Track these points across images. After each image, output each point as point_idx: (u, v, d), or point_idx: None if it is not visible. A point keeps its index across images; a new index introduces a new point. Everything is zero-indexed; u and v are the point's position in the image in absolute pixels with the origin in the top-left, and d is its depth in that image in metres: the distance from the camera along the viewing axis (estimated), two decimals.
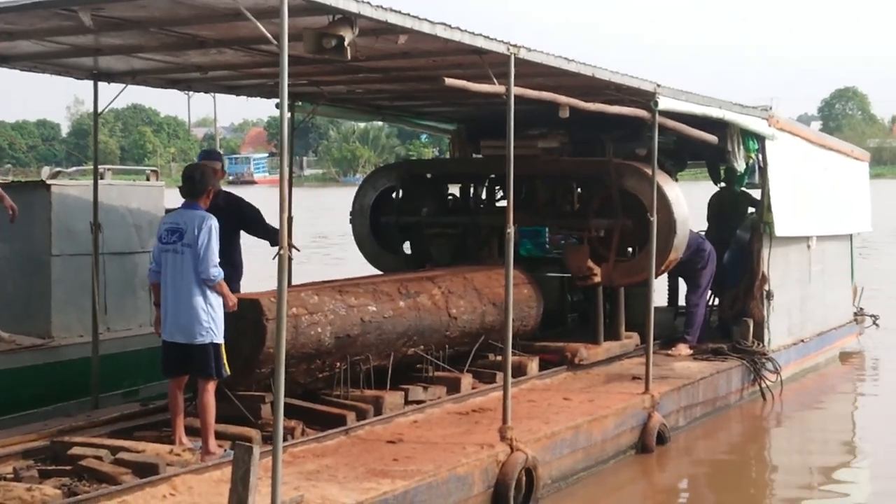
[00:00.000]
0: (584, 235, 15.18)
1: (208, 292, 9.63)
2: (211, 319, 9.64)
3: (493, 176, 16.65)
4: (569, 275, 15.56)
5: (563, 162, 15.72)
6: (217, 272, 9.61)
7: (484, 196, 17.06)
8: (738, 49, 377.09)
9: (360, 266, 17.50)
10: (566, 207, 16.08)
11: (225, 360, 9.79)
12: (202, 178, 9.99)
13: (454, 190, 17.31)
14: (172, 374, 9.96)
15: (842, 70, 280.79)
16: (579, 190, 16.31)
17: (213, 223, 9.70)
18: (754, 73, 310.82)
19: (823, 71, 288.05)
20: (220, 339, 9.72)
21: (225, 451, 9.57)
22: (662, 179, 14.40)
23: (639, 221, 14.35)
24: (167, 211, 14.62)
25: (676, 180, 16.53)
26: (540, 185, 15.83)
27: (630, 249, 15.22)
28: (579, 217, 15.55)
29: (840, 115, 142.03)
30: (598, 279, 14.88)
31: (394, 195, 16.96)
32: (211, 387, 9.76)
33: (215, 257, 9.62)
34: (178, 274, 9.65)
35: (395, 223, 16.70)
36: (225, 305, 9.78)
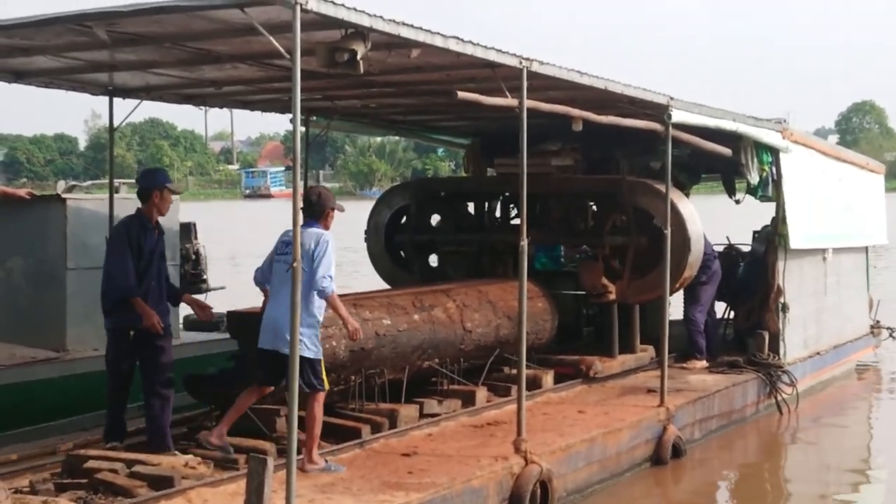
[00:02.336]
0: (599, 252, 15.18)
1: (312, 306, 9.72)
2: (308, 333, 9.72)
3: (507, 194, 16.67)
4: (583, 292, 15.56)
5: (576, 180, 15.73)
6: (328, 284, 9.70)
7: (498, 214, 17.08)
8: (756, 62, 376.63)
9: (375, 279, 17.50)
10: (580, 225, 16.08)
11: (323, 374, 9.95)
12: (319, 200, 10.14)
13: (469, 208, 17.32)
14: (262, 382, 10.09)
15: (859, 84, 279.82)
16: (593, 207, 16.32)
17: (330, 239, 9.89)
18: (771, 88, 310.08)
19: (840, 85, 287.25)
20: (312, 353, 9.81)
21: (326, 462, 9.81)
22: (676, 196, 14.40)
23: (653, 239, 14.35)
24: (182, 225, 14.72)
25: (688, 194, 16.56)
26: (554, 203, 15.84)
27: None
28: (593, 235, 15.54)
29: (857, 129, 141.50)
30: (612, 297, 14.89)
31: (408, 213, 16.98)
32: (316, 397, 9.90)
33: (329, 269, 9.73)
34: (286, 284, 9.64)
35: (410, 241, 16.71)
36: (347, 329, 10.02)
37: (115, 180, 13.16)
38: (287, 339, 9.60)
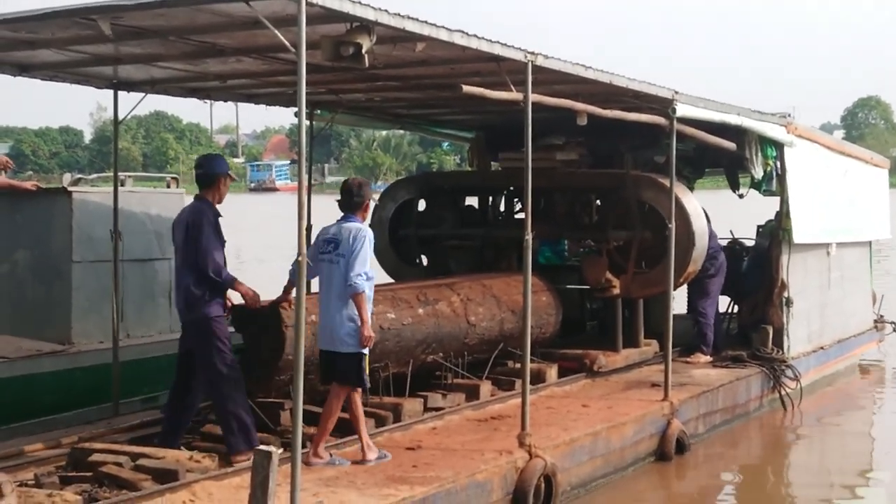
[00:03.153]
0: (603, 247, 15.18)
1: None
2: (356, 329, 9.79)
3: (511, 188, 16.67)
4: (587, 287, 15.57)
5: (581, 174, 15.74)
6: (359, 282, 9.73)
7: (503, 208, 17.09)
8: (763, 57, 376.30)
9: (380, 274, 17.49)
10: (584, 219, 16.11)
11: (366, 371, 10.02)
12: (360, 191, 10.24)
13: (473, 202, 17.33)
14: (326, 381, 10.19)
15: (865, 79, 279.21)
16: (598, 202, 16.32)
17: (369, 234, 9.96)
18: (777, 82, 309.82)
19: (846, 80, 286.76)
20: (364, 350, 9.89)
21: (331, 456, 9.90)
22: (681, 191, 14.40)
23: (657, 233, 14.36)
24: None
25: (693, 188, 16.56)
26: (558, 198, 15.85)
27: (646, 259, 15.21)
28: (598, 229, 15.56)
29: (863, 124, 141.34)
30: (616, 291, 14.88)
31: (413, 208, 16.98)
32: (354, 396, 9.99)
33: (364, 266, 9.78)
34: (331, 283, 9.87)
35: (415, 236, 16.72)
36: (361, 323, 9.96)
37: (120, 173, 13.17)
38: (342, 339, 9.78)
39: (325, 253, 9.92)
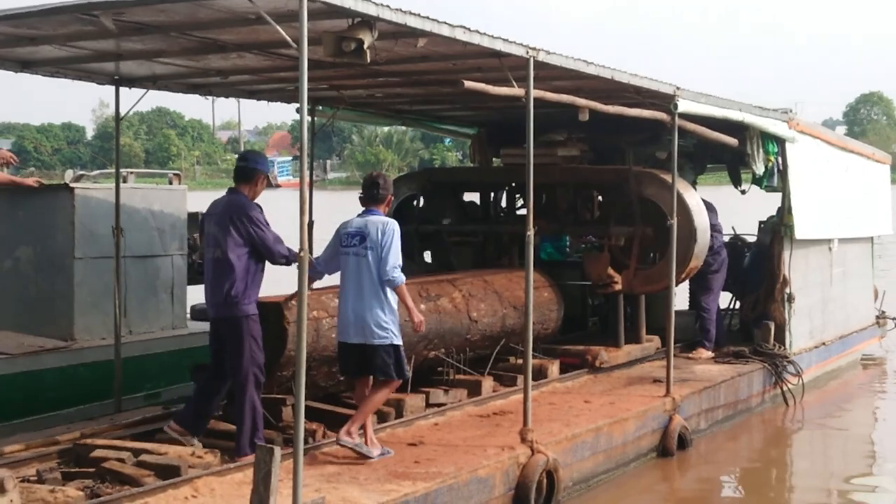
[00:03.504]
0: (605, 243, 15.18)
1: (388, 294, 9.83)
2: (390, 321, 9.84)
3: (513, 184, 16.67)
4: (589, 283, 15.58)
5: (582, 170, 15.73)
6: (397, 274, 9.80)
7: (504, 204, 17.09)
8: (765, 52, 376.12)
9: None
10: (586, 215, 16.11)
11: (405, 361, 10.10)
12: (385, 184, 10.22)
13: (475, 198, 17.32)
14: (353, 374, 10.24)
15: (867, 75, 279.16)
16: (599, 198, 16.32)
17: (396, 227, 9.95)
18: (780, 78, 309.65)
19: (849, 76, 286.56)
20: (398, 339, 9.94)
21: (382, 450, 9.95)
22: (683, 187, 14.39)
23: (659, 229, 14.36)
24: (190, 215, 14.73)
25: (695, 182, 16.56)
26: (560, 193, 15.83)
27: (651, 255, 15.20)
28: (599, 225, 15.55)
29: (865, 120, 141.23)
30: (618, 287, 14.87)
31: (414, 203, 16.98)
32: (389, 388, 10.07)
33: (398, 259, 9.84)
34: (359, 276, 9.83)
35: (416, 232, 16.70)
36: (412, 321, 10.09)
37: (122, 170, 13.18)
38: (374, 331, 9.79)
39: (350, 246, 9.88)
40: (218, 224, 9.91)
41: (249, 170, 10.20)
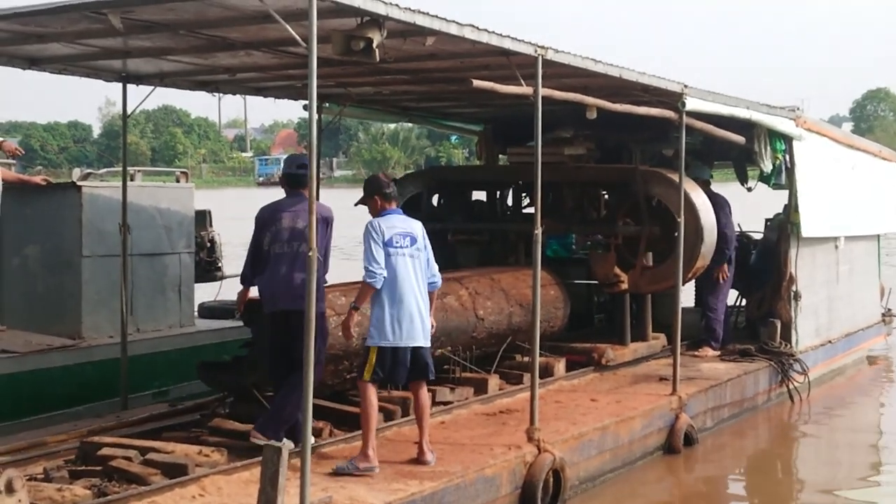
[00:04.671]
0: (611, 242, 15.18)
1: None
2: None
3: (519, 182, 16.66)
4: (595, 282, 15.57)
5: (589, 169, 15.73)
6: (440, 278, 10.05)
7: (510, 203, 17.09)
8: (771, 49, 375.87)
9: None
10: (593, 214, 16.11)
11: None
12: (392, 184, 10.20)
13: (481, 196, 17.31)
14: (404, 380, 10.06)
15: (874, 71, 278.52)
16: (606, 197, 16.32)
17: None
18: (786, 75, 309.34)
19: (855, 72, 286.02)
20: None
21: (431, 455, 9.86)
22: (689, 187, 14.40)
23: (665, 229, 14.36)
24: (197, 213, 14.74)
25: (711, 177, 16.55)
26: (567, 192, 15.83)
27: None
28: (606, 224, 15.55)
29: (872, 117, 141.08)
30: (624, 286, 14.88)
31: (420, 202, 16.97)
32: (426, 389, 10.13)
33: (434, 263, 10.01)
34: (416, 278, 9.78)
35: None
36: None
37: (130, 168, 13.18)
38: (428, 334, 9.83)
39: (404, 247, 9.75)
40: (302, 220, 9.85)
41: (303, 177, 10.11)
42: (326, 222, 9.97)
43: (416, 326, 9.72)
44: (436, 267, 9.96)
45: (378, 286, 9.56)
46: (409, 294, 9.69)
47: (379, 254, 9.58)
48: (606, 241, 15.38)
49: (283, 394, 9.86)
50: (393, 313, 9.64)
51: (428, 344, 9.86)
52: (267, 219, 10.19)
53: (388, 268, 9.61)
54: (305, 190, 9.95)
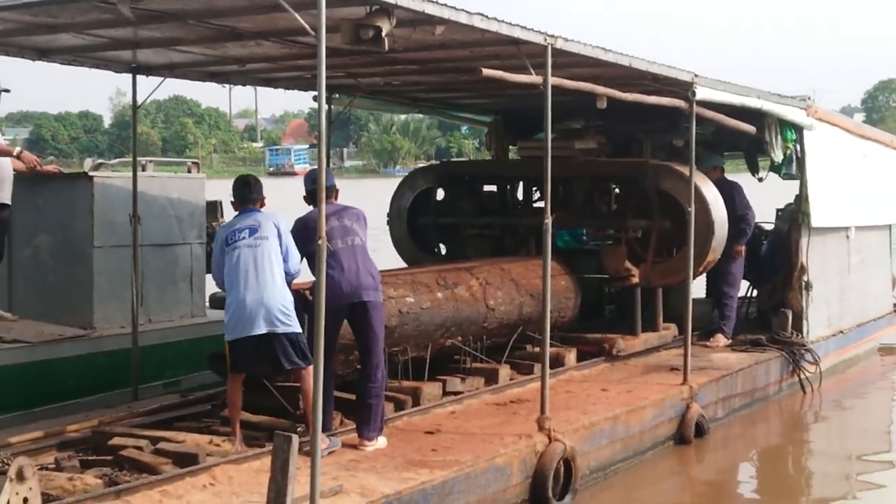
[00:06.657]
0: (622, 236, 15.16)
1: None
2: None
3: (530, 176, 16.64)
4: (606, 276, 15.56)
5: (600, 163, 15.72)
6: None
7: (521, 196, 17.07)
8: (783, 39, 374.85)
9: (398, 262, 17.46)
10: (603, 208, 16.10)
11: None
12: (257, 185, 10.36)
13: (492, 189, 17.30)
14: (254, 367, 10.23)
15: (886, 62, 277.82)
16: (617, 190, 16.30)
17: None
18: (798, 65, 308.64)
19: (867, 63, 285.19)
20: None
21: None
22: (700, 180, 14.37)
23: (676, 222, 14.34)
24: (208, 203, 14.75)
25: (723, 166, 16.54)
26: (577, 186, 15.80)
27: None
28: (617, 218, 15.53)
29: (883, 107, 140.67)
30: (635, 280, 14.87)
31: (431, 196, 16.97)
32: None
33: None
34: (256, 266, 9.82)
35: (433, 224, 16.71)
36: None
37: (141, 158, 13.17)
38: (277, 319, 9.76)
39: (240, 240, 9.90)
40: (349, 219, 10.26)
41: (329, 187, 10.23)
42: (364, 220, 10.43)
43: (256, 314, 9.64)
44: (295, 258, 9.91)
45: (222, 288, 10.07)
46: (242, 284, 9.71)
47: (217, 261, 10.04)
48: (617, 236, 15.36)
49: (366, 391, 10.09)
50: (230, 306, 9.80)
51: (280, 330, 9.66)
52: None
53: (227, 265, 9.85)
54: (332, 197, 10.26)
